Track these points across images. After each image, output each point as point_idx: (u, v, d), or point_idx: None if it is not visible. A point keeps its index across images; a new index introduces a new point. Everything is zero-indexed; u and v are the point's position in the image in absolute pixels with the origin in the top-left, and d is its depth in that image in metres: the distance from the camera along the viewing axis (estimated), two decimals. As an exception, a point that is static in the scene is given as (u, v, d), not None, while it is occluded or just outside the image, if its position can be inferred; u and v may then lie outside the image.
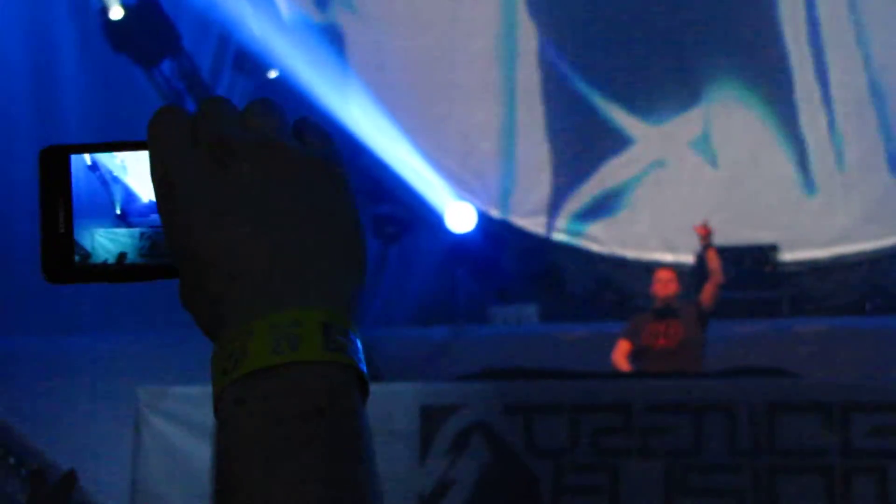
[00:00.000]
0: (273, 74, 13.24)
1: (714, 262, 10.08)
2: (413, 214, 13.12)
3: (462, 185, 13.44)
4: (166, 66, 12.65)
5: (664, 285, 9.95)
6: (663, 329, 9.78)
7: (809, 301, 12.86)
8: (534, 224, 13.62)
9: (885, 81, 12.74)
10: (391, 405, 8.64)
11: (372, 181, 12.75)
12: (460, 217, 13.09)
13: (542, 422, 8.32)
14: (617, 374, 9.69)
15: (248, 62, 13.26)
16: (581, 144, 13.56)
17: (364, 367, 1.09)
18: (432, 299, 13.26)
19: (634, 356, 9.95)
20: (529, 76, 13.50)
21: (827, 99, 12.86)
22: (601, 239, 13.56)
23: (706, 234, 10.23)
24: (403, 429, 8.53)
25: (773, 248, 12.80)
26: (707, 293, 9.93)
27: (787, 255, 12.79)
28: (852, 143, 12.84)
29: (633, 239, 13.42)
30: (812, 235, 12.94)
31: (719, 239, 10.57)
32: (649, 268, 11.70)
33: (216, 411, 1.08)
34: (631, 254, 13.37)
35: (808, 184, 13.02)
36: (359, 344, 1.09)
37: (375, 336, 12.29)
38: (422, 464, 8.44)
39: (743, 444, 8.07)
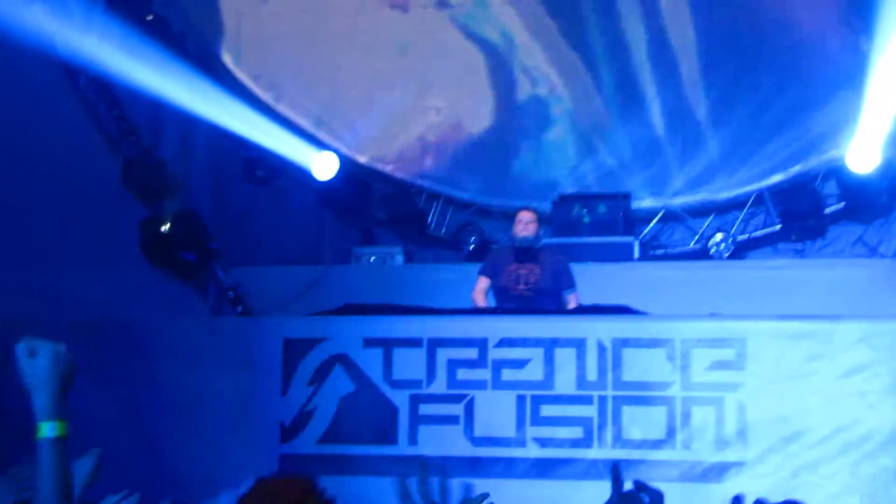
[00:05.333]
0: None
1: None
2: (281, 159, 13.09)
3: (331, 131, 13.44)
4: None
5: (524, 226, 10.01)
6: (524, 273, 9.83)
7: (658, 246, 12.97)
8: (400, 170, 13.55)
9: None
10: (255, 339, 8.73)
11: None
12: (323, 164, 13.20)
13: (400, 354, 8.39)
14: (473, 311, 9.62)
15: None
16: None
17: None
18: (300, 241, 13.22)
19: (495, 294, 9.91)
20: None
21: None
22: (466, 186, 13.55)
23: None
24: (266, 361, 8.60)
25: (626, 196, 12.82)
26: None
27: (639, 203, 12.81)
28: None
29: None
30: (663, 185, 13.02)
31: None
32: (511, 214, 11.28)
33: None
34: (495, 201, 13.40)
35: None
36: None
37: (244, 273, 12.44)
38: (284, 394, 8.52)
39: (591, 376, 8.25)
